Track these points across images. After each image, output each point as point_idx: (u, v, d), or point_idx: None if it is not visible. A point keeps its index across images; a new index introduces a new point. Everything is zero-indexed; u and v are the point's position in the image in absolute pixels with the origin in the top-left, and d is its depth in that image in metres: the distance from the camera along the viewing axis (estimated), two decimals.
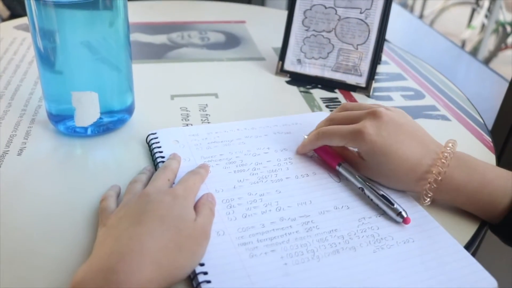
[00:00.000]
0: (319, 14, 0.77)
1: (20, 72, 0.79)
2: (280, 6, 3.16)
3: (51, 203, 0.50)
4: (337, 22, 0.77)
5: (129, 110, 0.64)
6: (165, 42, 0.91)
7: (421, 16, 5.48)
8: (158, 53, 0.86)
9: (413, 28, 1.61)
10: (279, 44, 0.82)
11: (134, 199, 0.44)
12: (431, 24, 5.00)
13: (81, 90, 0.58)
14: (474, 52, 3.74)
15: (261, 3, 3.04)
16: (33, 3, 0.53)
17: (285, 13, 1.09)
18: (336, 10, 0.77)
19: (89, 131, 0.61)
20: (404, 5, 5.73)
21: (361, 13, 0.76)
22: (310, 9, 0.78)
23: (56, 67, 0.57)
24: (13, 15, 2.17)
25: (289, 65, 0.80)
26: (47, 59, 0.57)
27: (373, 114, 0.51)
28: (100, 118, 0.60)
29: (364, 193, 0.50)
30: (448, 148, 0.50)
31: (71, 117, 0.60)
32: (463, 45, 4.32)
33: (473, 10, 4.60)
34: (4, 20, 2.18)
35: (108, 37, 0.57)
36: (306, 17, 0.78)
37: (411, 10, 5.72)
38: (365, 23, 0.76)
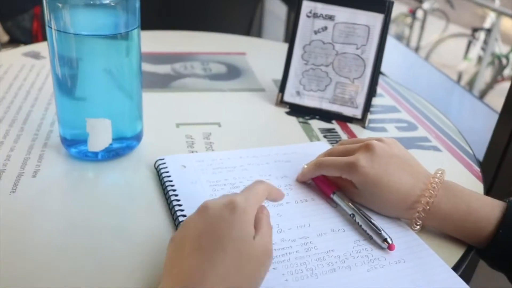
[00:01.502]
0: (318, 49, 0.82)
1: (31, 98, 0.83)
2: (276, 37, 3.23)
3: (64, 224, 0.53)
4: (335, 57, 0.81)
5: (138, 137, 0.68)
6: (169, 72, 0.95)
7: (417, 48, 5.58)
8: (162, 83, 0.91)
9: (409, 61, 1.67)
10: (278, 75, 0.86)
11: (194, 214, 0.44)
12: (428, 55, 5.10)
13: (96, 116, 0.61)
14: (470, 84, 3.82)
15: (259, 35, 3.11)
16: (54, 33, 0.57)
17: (283, 45, 1.14)
18: (333, 46, 0.81)
19: (99, 156, 0.64)
20: (400, 35, 5.84)
21: (357, 48, 0.80)
22: (309, 44, 0.82)
23: (73, 94, 0.61)
24: (12, 40, 2.22)
25: (288, 97, 0.84)
26: (65, 85, 0.60)
27: (367, 147, 0.55)
28: (111, 144, 0.64)
29: (355, 219, 0.54)
30: (436, 178, 0.53)
31: (83, 142, 0.63)
32: (459, 77, 4.40)
33: (469, 42, 4.70)
34: (3, 45, 2.23)
35: (124, 65, 0.61)
36: (305, 52, 0.83)
37: (408, 41, 5.83)
38: (361, 58, 0.80)
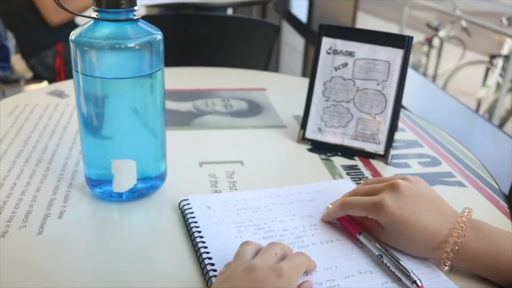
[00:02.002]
0: (338, 85, 0.82)
1: (56, 137, 0.84)
2: (294, 68, 3.26)
3: (90, 267, 0.53)
4: (356, 93, 0.82)
5: (162, 177, 0.68)
6: (190, 110, 0.96)
7: (435, 75, 5.57)
8: (185, 120, 0.91)
9: (426, 91, 1.67)
10: (299, 111, 0.87)
11: (240, 271, 0.45)
12: (446, 83, 5.09)
13: (121, 155, 0.62)
14: (490, 111, 3.79)
15: (276, 66, 3.14)
16: (80, 76, 0.59)
17: (302, 80, 1.15)
18: (354, 82, 0.82)
19: (124, 197, 0.65)
20: (417, 64, 5.84)
21: (378, 84, 0.81)
22: (330, 81, 0.83)
23: (98, 133, 0.62)
24: (36, 76, 2.26)
25: (310, 134, 0.84)
26: (90, 125, 0.61)
27: (392, 187, 0.55)
28: (136, 184, 0.64)
29: (382, 260, 0.53)
30: (463, 217, 0.53)
31: (108, 182, 0.64)
32: (478, 104, 4.37)
33: (488, 69, 4.69)
34: (27, 81, 2.28)
35: (148, 104, 0.62)
36: (326, 88, 0.83)
37: (425, 69, 5.83)
38: (382, 94, 0.80)
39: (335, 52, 0.82)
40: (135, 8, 0.58)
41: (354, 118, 0.82)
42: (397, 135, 0.91)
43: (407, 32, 6.07)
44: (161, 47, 0.60)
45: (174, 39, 1.17)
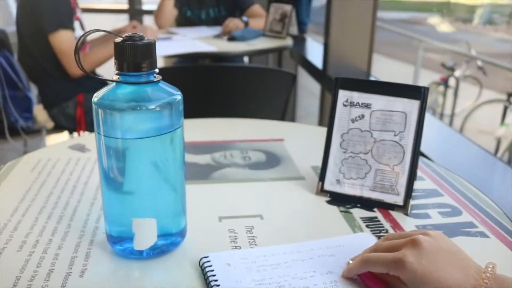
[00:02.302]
0: (356, 137, 0.83)
1: (77, 193, 0.85)
2: (311, 115, 3.28)
3: None
4: (373, 144, 0.82)
5: (183, 233, 0.69)
6: (209, 162, 0.97)
7: (452, 114, 5.55)
8: (204, 174, 0.92)
9: (444, 136, 1.66)
10: (317, 162, 0.87)
11: None
12: (464, 122, 5.06)
13: (142, 211, 0.63)
14: (510, 150, 3.75)
15: (293, 113, 3.17)
16: (102, 138, 0.60)
17: (319, 130, 1.16)
18: (371, 133, 0.82)
19: (144, 254, 0.65)
20: (434, 103, 5.84)
21: (395, 135, 0.81)
22: (347, 133, 0.84)
23: (120, 189, 0.63)
24: (57, 126, 2.31)
25: (328, 185, 0.84)
26: (112, 182, 0.62)
27: (413, 243, 0.54)
28: (156, 241, 0.65)
29: None
30: (487, 273, 0.52)
31: (129, 239, 0.64)
32: (498, 143, 4.34)
33: (506, 108, 4.67)
34: (48, 131, 2.32)
35: (168, 160, 0.63)
36: (343, 140, 0.84)
37: (442, 109, 5.82)
38: (400, 145, 0.81)
39: (352, 104, 0.83)
40: (156, 70, 0.59)
41: (372, 169, 0.82)
42: (416, 184, 0.91)
43: (422, 72, 6.10)
44: (181, 107, 0.62)
45: (191, 90, 1.19)
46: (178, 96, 0.61)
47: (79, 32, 2.16)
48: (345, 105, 0.84)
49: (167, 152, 0.62)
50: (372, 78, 2.10)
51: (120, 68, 0.58)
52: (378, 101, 0.82)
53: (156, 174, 0.63)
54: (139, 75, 0.58)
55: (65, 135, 2.38)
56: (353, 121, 0.83)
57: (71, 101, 2.21)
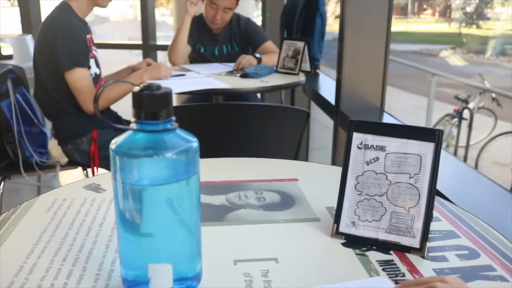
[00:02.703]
0: (371, 179, 0.83)
1: (92, 234, 0.86)
2: (324, 148, 3.28)
3: None
4: (388, 186, 0.82)
5: (198, 277, 0.68)
6: (224, 203, 0.97)
7: (467, 147, 5.52)
8: (218, 215, 0.92)
9: (459, 173, 1.65)
10: (331, 203, 0.87)
11: None
12: (479, 154, 5.03)
13: (158, 255, 0.63)
14: None
15: (305, 153, 3.17)
16: (119, 184, 0.61)
17: (333, 169, 1.16)
18: (386, 176, 0.82)
19: None
20: (449, 136, 5.82)
21: (410, 177, 0.81)
22: (362, 175, 0.84)
23: (136, 233, 0.63)
24: (71, 162, 2.33)
25: (344, 228, 0.84)
26: (128, 226, 0.63)
27: None
28: (171, 286, 0.64)
29: None
30: None
31: (144, 283, 0.64)
32: None
33: None
34: (62, 166, 2.34)
35: (185, 201, 0.63)
36: (358, 182, 0.84)
37: (457, 140, 5.79)
38: (415, 187, 0.80)
39: (366, 147, 0.83)
40: (173, 118, 0.60)
41: (388, 212, 0.82)
42: (433, 225, 0.90)
43: (435, 104, 6.09)
44: (197, 154, 0.62)
45: (204, 128, 1.21)
46: (195, 143, 0.62)
47: (94, 69, 2.20)
48: (359, 148, 0.84)
49: (183, 196, 0.63)
50: (385, 113, 2.11)
51: (137, 116, 0.59)
52: (393, 144, 0.82)
53: (172, 218, 0.63)
54: (156, 123, 0.59)
55: (78, 170, 2.40)
56: (367, 163, 0.83)
57: (85, 137, 2.23)
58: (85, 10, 2.20)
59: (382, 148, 0.83)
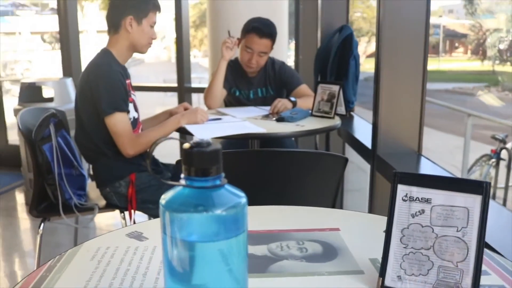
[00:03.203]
0: (417, 232, 0.82)
1: (136, 284, 0.86)
2: (359, 197, 3.24)
3: None
4: (435, 240, 0.80)
5: None
6: (266, 254, 0.97)
7: (506, 188, 5.37)
8: (261, 266, 0.92)
9: (502, 220, 1.61)
10: (375, 254, 0.85)
11: None
12: None
13: None
14: None
15: (340, 201, 3.14)
16: (169, 239, 0.61)
17: (374, 218, 1.15)
18: (433, 229, 0.81)
19: None
20: (486, 177, 5.68)
21: (457, 231, 0.79)
22: (407, 228, 0.82)
23: (185, 283, 0.63)
24: (108, 205, 2.36)
25: (389, 282, 0.82)
26: (177, 276, 0.63)
27: None
28: None
29: None
30: None
31: None
32: None
33: None
34: (100, 209, 2.37)
35: (233, 255, 0.63)
36: (403, 235, 0.82)
37: (495, 182, 5.65)
38: (463, 241, 0.79)
39: (411, 199, 0.83)
40: (222, 174, 0.61)
41: (435, 266, 0.80)
42: (482, 279, 0.87)
43: (472, 144, 5.99)
44: (246, 210, 0.63)
45: (241, 174, 1.21)
46: (243, 199, 0.62)
47: (132, 113, 2.24)
48: (404, 200, 0.83)
49: (232, 251, 0.63)
50: (423, 157, 2.08)
51: (187, 172, 0.60)
52: (439, 196, 0.81)
53: (221, 271, 0.64)
54: (205, 180, 0.60)
55: (116, 213, 2.43)
56: (413, 216, 0.82)
57: (123, 180, 2.26)
58: (125, 56, 2.27)
59: (427, 201, 0.82)
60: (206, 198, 0.60)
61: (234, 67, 2.86)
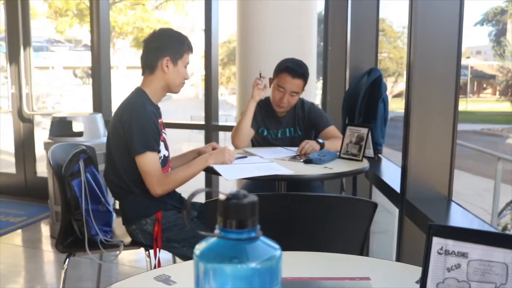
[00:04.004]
0: (452, 287, 0.79)
1: None
2: (385, 241, 3.18)
3: None
4: None
5: None
6: None
7: None
8: None
9: None
10: None
11: None
12: None
13: None
14: None
15: (367, 248, 3.09)
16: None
17: (405, 268, 1.12)
18: (469, 284, 0.78)
19: None
20: None
21: (496, 287, 0.77)
22: (443, 282, 0.80)
23: None
24: (134, 242, 2.35)
25: None
26: None
27: None
28: None
29: None
30: None
31: None
32: None
33: None
34: (126, 246, 2.36)
35: None
36: None
37: None
38: None
39: (447, 252, 0.81)
40: (257, 226, 0.60)
41: None
42: None
43: (502, 187, 5.87)
44: (280, 262, 0.62)
45: (268, 217, 1.20)
46: (278, 251, 0.61)
47: (163, 152, 2.26)
48: (439, 253, 0.81)
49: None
50: (453, 203, 2.04)
51: (223, 224, 0.60)
52: (476, 250, 0.79)
53: None
54: (241, 232, 0.59)
55: (140, 250, 2.42)
56: (449, 270, 0.80)
57: (149, 218, 2.26)
58: (159, 96, 2.31)
59: (464, 255, 0.80)
60: (241, 250, 0.60)
61: (264, 106, 2.87)
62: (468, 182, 8.79)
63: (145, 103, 2.20)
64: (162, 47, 2.25)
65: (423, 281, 0.82)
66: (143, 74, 2.31)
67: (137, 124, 2.14)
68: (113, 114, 2.33)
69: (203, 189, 0.62)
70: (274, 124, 2.89)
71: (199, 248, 0.61)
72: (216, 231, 0.61)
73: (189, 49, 2.30)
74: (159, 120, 2.25)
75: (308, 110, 2.86)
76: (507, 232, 5.22)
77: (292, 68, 2.71)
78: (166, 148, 2.32)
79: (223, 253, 0.59)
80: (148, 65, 2.27)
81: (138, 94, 2.26)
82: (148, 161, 2.14)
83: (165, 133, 2.33)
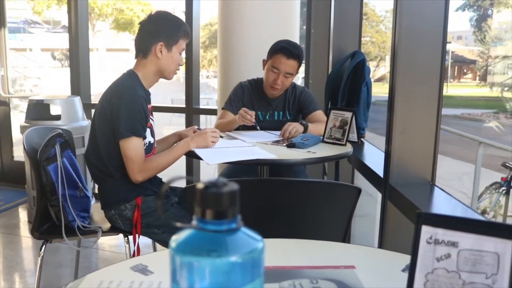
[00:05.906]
0: (442, 277, 0.76)
1: None
2: (367, 224, 3.17)
3: None
4: (462, 286, 0.75)
5: None
6: None
7: None
8: None
9: None
10: None
11: None
12: None
13: None
14: None
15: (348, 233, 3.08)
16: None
17: (391, 256, 1.09)
18: (459, 275, 0.75)
19: None
20: (496, 205, 5.60)
21: (487, 278, 0.74)
22: (432, 272, 0.77)
23: None
24: (113, 228, 2.30)
25: None
26: None
27: None
28: None
29: None
30: None
31: None
32: None
33: None
34: (104, 232, 2.30)
35: None
36: (427, 280, 0.77)
37: (505, 210, 5.56)
38: None
39: (436, 242, 0.77)
40: (238, 217, 0.56)
41: None
42: None
43: (482, 171, 5.92)
44: (262, 256, 0.58)
45: (248, 203, 1.16)
46: (260, 244, 0.57)
47: (149, 138, 2.20)
48: (429, 243, 0.78)
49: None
50: (436, 187, 2.03)
51: (201, 214, 0.55)
52: (466, 240, 0.76)
53: None
54: (220, 223, 0.55)
55: (120, 237, 2.37)
56: (438, 260, 0.77)
57: (129, 204, 2.21)
58: (151, 81, 2.24)
59: (454, 244, 0.76)
60: (220, 242, 0.55)
61: (255, 87, 2.82)
62: (448, 166, 8.86)
63: (136, 87, 2.13)
64: (157, 31, 2.18)
65: (411, 271, 0.78)
66: (136, 57, 2.24)
67: (125, 108, 2.07)
68: (100, 97, 2.24)
69: (179, 177, 0.57)
70: (264, 106, 2.84)
71: (175, 240, 0.57)
72: (194, 222, 0.56)
73: (186, 35, 2.23)
74: (149, 106, 2.19)
75: (299, 94, 2.82)
76: (486, 215, 5.27)
77: (287, 49, 2.66)
78: (152, 135, 2.26)
79: (201, 246, 0.55)
80: (142, 49, 2.20)
81: (130, 77, 2.19)
82: (132, 146, 2.08)
83: (152, 120, 2.27)
